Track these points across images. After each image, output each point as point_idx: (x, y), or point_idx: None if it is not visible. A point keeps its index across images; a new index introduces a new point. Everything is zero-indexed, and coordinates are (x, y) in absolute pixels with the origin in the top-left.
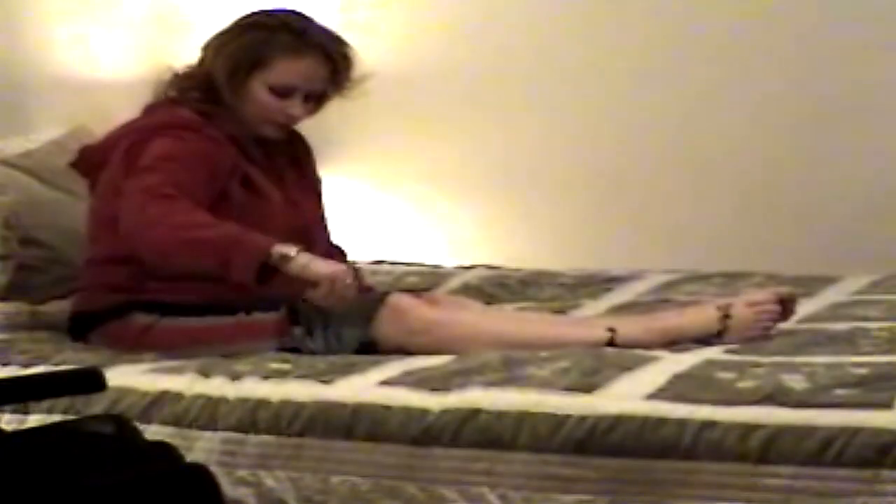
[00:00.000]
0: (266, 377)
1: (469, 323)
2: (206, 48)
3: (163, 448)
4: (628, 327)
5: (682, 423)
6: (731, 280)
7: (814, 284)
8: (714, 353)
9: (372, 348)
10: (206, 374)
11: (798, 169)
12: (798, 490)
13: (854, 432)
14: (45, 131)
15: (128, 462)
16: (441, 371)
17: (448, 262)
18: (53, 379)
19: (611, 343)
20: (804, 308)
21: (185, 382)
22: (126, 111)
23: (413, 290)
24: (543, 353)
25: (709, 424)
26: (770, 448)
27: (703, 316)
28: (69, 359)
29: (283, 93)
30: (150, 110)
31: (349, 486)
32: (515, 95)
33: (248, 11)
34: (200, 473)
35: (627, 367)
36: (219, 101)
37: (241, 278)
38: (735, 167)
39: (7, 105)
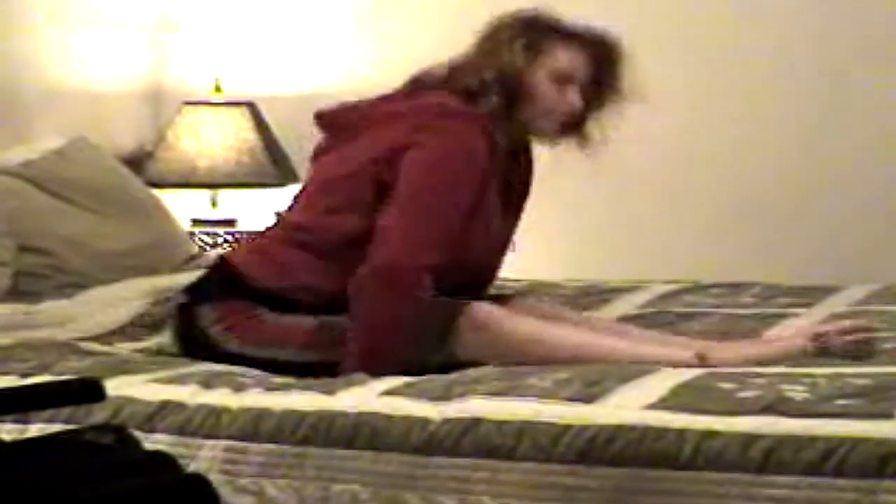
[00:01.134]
0: (269, 389)
1: (547, 336)
2: (474, 60)
3: (162, 459)
4: (717, 354)
5: (682, 433)
6: (731, 291)
7: (813, 295)
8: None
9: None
10: (208, 385)
11: (797, 180)
12: (799, 500)
13: (855, 442)
14: (45, 141)
15: (126, 473)
16: (442, 381)
17: None
18: (52, 389)
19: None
20: (804, 319)
21: (187, 392)
22: (124, 122)
23: (501, 297)
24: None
25: (710, 434)
26: (771, 458)
27: (793, 342)
28: (70, 368)
29: (561, 81)
30: (422, 90)
31: (350, 495)
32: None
33: (493, 19)
34: (200, 484)
35: (628, 377)
36: (513, 98)
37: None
38: (734, 178)
39: (8, 115)
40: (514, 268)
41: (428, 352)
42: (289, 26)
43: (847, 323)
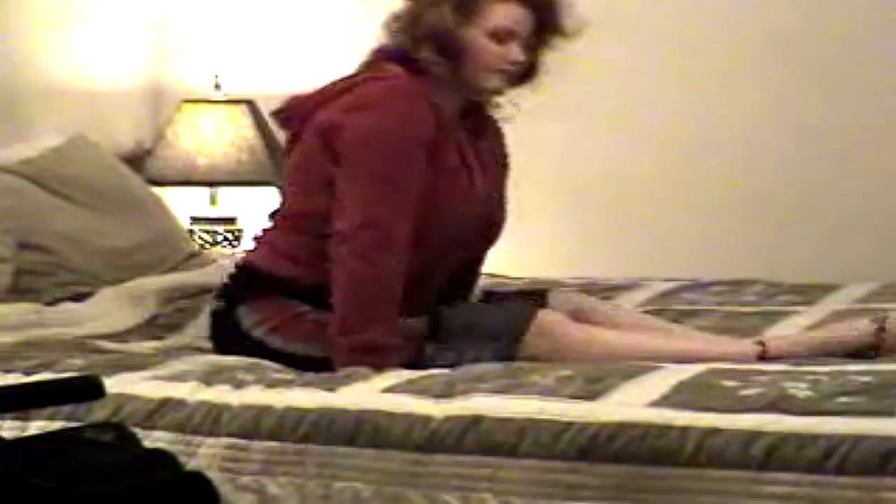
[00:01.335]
0: (270, 385)
1: (609, 342)
2: (412, 13)
3: (162, 456)
4: (776, 341)
5: (685, 430)
6: (731, 289)
7: (814, 293)
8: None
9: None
10: (208, 382)
11: (799, 178)
12: (801, 497)
13: (857, 440)
14: (44, 139)
15: (126, 471)
16: (444, 379)
17: None
18: (52, 387)
19: (762, 357)
20: (805, 317)
21: (187, 390)
22: (124, 120)
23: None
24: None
25: (712, 432)
26: (773, 455)
27: (855, 327)
28: (73, 366)
29: (501, 37)
30: (373, 66)
31: (352, 493)
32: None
33: None
34: (200, 482)
35: (630, 375)
36: (449, 55)
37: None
38: (735, 176)
39: (7, 113)
40: (515, 265)
41: (501, 354)
42: (288, 24)
43: None
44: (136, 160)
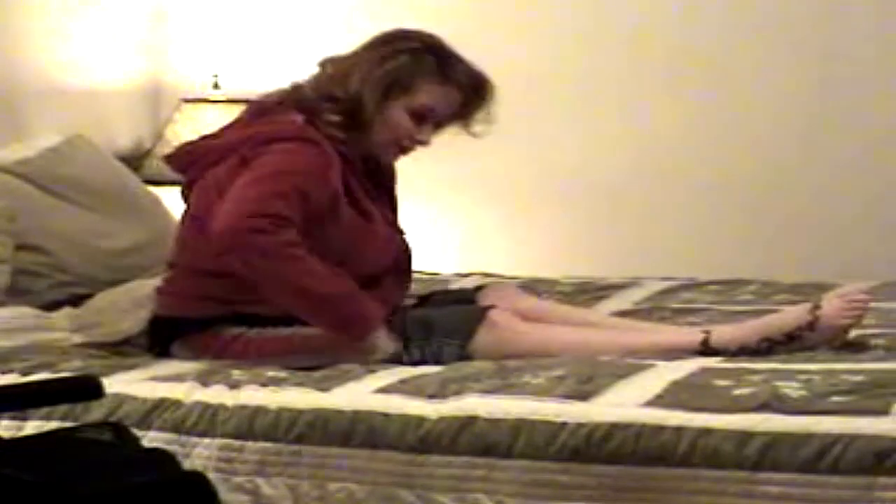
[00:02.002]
0: (264, 384)
1: (558, 338)
2: (345, 68)
3: (160, 455)
4: (721, 328)
5: (678, 430)
6: (728, 288)
7: (809, 291)
8: (710, 360)
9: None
10: (204, 382)
11: (795, 177)
12: (795, 497)
13: (851, 439)
14: (42, 139)
15: (125, 470)
16: (437, 378)
17: (445, 270)
18: (51, 386)
19: (705, 343)
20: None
21: (183, 390)
22: (123, 119)
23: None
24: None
25: (705, 432)
26: (767, 455)
27: (793, 310)
28: (70, 366)
29: (420, 117)
30: (263, 113)
31: (346, 493)
32: (512, 107)
33: (385, 32)
34: (198, 481)
35: (623, 374)
36: (355, 122)
37: (355, 338)
38: (731, 174)
39: (5, 113)
40: (511, 264)
41: (454, 351)
42: (287, 23)
43: (848, 288)
44: (136, 160)
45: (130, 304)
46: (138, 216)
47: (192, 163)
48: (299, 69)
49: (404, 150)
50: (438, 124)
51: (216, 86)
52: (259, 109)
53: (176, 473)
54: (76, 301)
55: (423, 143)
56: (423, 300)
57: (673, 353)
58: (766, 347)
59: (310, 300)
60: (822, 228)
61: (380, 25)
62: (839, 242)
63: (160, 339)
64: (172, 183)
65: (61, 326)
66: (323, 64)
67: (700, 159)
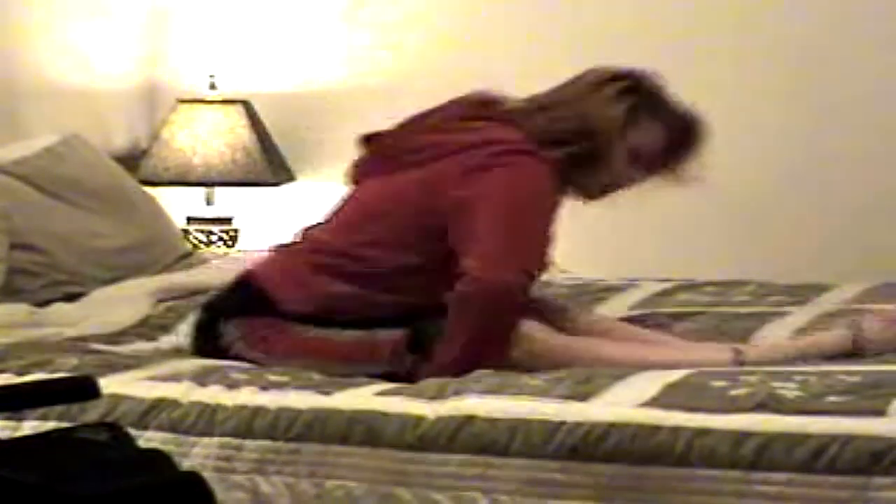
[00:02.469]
0: (264, 388)
1: (589, 351)
2: (574, 107)
3: (157, 456)
4: (755, 348)
5: (675, 430)
6: (724, 289)
7: (805, 293)
8: None
9: None
10: (202, 382)
11: (791, 178)
12: (791, 497)
13: (847, 440)
14: (39, 138)
15: (121, 470)
16: (437, 382)
17: None
18: (47, 387)
19: (740, 364)
20: (797, 317)
21: (181, 390)
22: (119, 120)
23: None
24: None
25: (702, 432)
26: (763, 455)
27: (831, 334)
28: (66, 365)
29: (634, 157)
30: (492, 120)
31: (344, 492)
32: None
33: (597, 70)
34: (195, 482)
35: (620, 375)
36: (590, 160)
37: None
38: (727, 176)
39: (2, 112)
40: None
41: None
42: (283, 24)
43: (888, 306)
44: (132, 160)
45: (127, 298)
46: (133, 216)
47: (402, 153)
48: (295, 70)
49: (610, 191)
50: (649, 167)
51: (212, 86)
52: (473, 112)
53: (172, 474)
54: (70, 301)
55: (632, 183)
56: None
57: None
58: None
59: (471, 360)
60: (819, 230)
61: (378, 25)
62: (835, 243)
63: (228, 303)
64: (168, 183)
65: (54, 321)
66: (533, 100)
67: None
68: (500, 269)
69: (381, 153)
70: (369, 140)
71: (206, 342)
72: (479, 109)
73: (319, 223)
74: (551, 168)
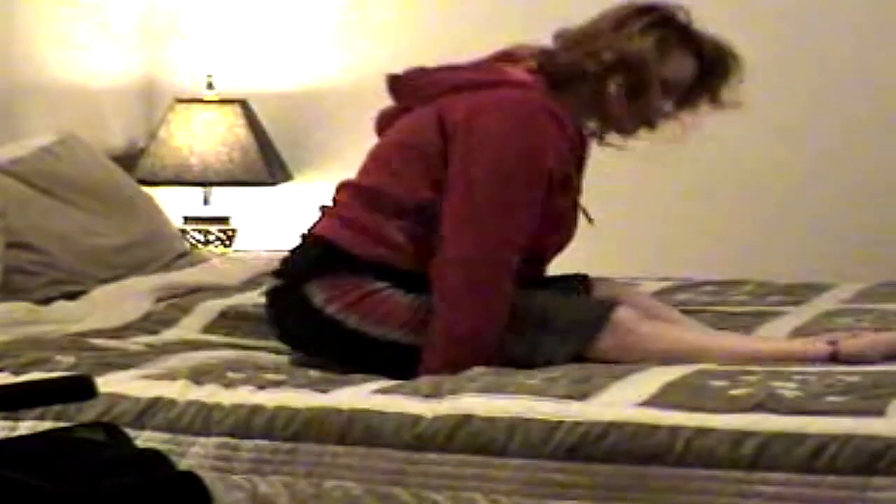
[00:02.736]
0: (261, 387)
1: (681, 340)
2: (598, 39)
3: (154, 455)
4: (850, 340)
5: (674, 429)
6: (723, 288)
7: (804, 293)
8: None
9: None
10: (198, 381)
11: (790, 178)
12: (789, 497)
13: (846, 439)
14: (35, 138)
15: (118, 470)
16: (434, 380)
17: None
18: (44, 386)
19: (834, 356)
20: (795, 317)
21: (178, 389)
22: (116, 119)
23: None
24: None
25: (701, 431)
26: (762, 455)
27: None
28: (64, 363)
29: (667, 89)
30: (507, 60)
31: (342, 492)
32: None
33: (626, 5)
34: (191, 481)
35: (618, 375)
36: (635, 91)
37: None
38: (726, 175)
39: None
40: None
41: (568, 352)
42: (281, 24)
43: None
44: (129, 159)
45: (128, 296)
46: (131, 215)
47: (418, 88)
48: (293, 69)
49: (647, 123)
50: (684, 99)
51: (210, 86)
52: (505, 57)
53: (169, 473)
54: (70, 298)
55: (666, 117)
56: None
57: (800, 361)
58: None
59: (461, 334)
60: (817, 229)
61: (373, 26)
62: (833, 243)
63: (296, 264)
64: (166, 182)
65: (54, 319)
66: (564, 37)
67: (693, 159)
68: (472, 247)
69: (397, 91)
70: (394, 79)
71: (289, 308)
72: (517, 56)
73: (360, 170)
74: (561, 114)
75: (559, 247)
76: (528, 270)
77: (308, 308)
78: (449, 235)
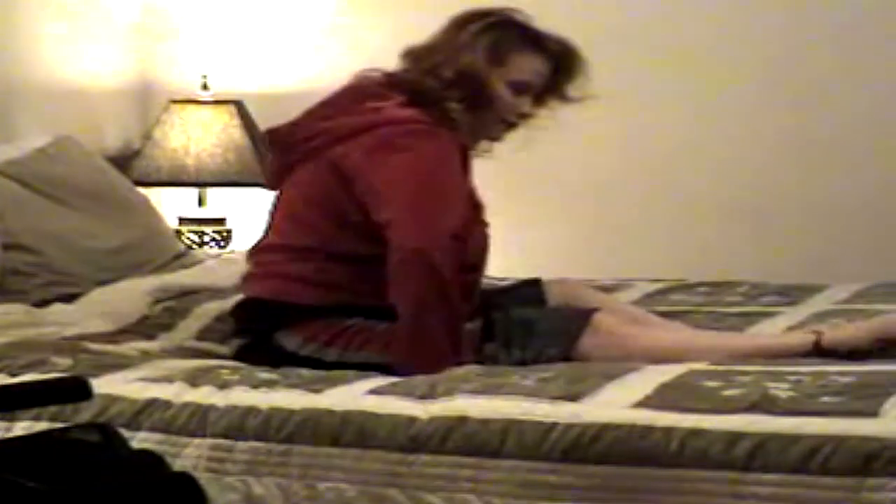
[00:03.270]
0: (255, 387)
1: (663, 340)
2: (445, 52)
3: (149, 457)
4: (834, 330)
5: (668, 431)
6: (717, 290)
7: (798, 294)
8: (700, 363)
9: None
10: (193, 383)
11: (784, 179)
12: (784, 498)
13: (840, 440)
14: (31, 139)
15: (113, 471)
16: (427, 380)
17: None
18: (39, 388)
19: (817, 345)
20: (788, 317)
21: (173, 391)
22: (111, 120)
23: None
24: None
25: (695, 432)
26: (756, 456)
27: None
28: (60, 365)
29: (518, 90)
30: (367, 98)
31: (336, 493)
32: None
33: (462, 13)
34: (186, 482)
35: (612, 376)
36: (476, 102)
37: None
38: (720, 177)
39: None
40: (501, 267)
41: (555, 355)
42: (276, 24)
43: None
44: (124, 160)
45: (125, 299)
46: (126, 217)
47: (301, 142)
48: (287, 70)
49: (510, 126)
50: (537, 99)
51: (205, 87)
52: (363, 93)
53: (164, 474)
54: (66, 300)
55: (527, 115)
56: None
57: (782, 355)
58: (881, 348)
59: (424, 326)
60: (811, 231)
61: (367, 26)
62: (828, 243)
63: (257, 326)
64: (161, 183)
65: (52, 321)
66: (408, 54)
67: (688, 161)
68: (419, 235)
69: (279, 147)
70: (270, 135)
71: (264, 359)
72: (373, 90)
73: (260, 239)
74: (449, 135)
75: (481, 255)
76: (466, 280)
77: (283, 353)
78: (392, 233)
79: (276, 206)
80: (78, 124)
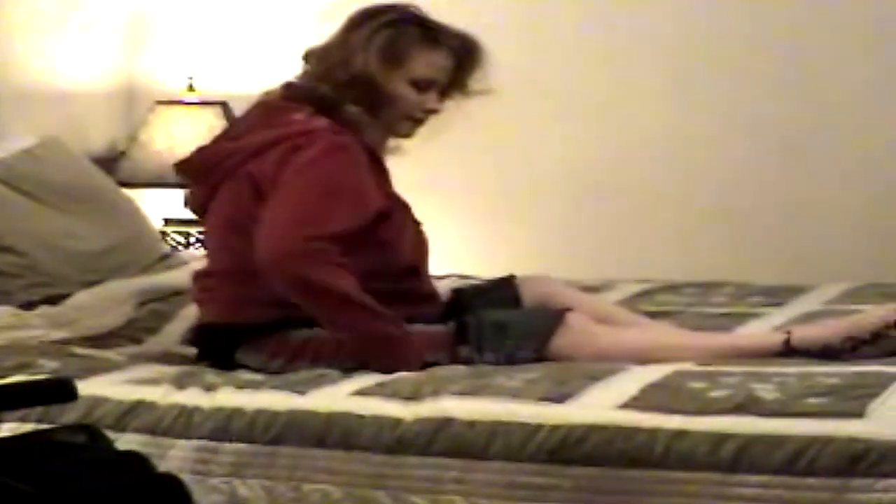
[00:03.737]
0: (240, 388)
1: (636, 339)
2: (340, 54)
3: (134, 458)
4: (803, 328)
5: (654, 432)
6: (703, 290)
7: (784, 294)
8: (685, 364)
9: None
10: (180, 385)
11: (771, 180)
12: (769, 499)
13: (825, 442)
14: (17, 140)
15: (99, 472)
16: (413, 381)
17: None
18: (24, 389)
19: (787, 344)
20: (774, 318)
21: (159, 392)
22: (96, 121)
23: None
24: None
25: (680, 434)
26: (741, 457)
27: (877, 308)
28: (47, 368)
29: (422, 86)
30: (275, 113)
31: (321, 495)
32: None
33: (359, 11)
34: (172, 483)
35: (597, 377)
36: (374, 104)
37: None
38: (707, 178)
39: None
40: (486, 266)
41: (528, 355)
42: (261, 25)
43: None
44: (110, 162)
45: (111, 300)
46: (112, 218)
47: (214, 166)
48: (274, 71)
49: (418, 122)
50: (442, 93)
51: (191, 88)
52: (268, 109)
53: (150, 475)
54: (52, 301)
55: (433, 111)
56: (457, 299)
57: (754, 354)
58: (851, 347)
59: (344, 323)
60: (798, 232)
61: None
62: (814, 244)
63: (215, 348)
64: (146, 185)
65: (39, 324)
66: (308, 57)
67: (675, 161)
68: (269, 243)
69: (193, 175)
70: (180, 167)
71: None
72: (277, 104)
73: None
74: (351, 139)
75: (420, 256)
76: (407, 286)
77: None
78: (259, 238)
79: (205, 233)
80: (63, 125)
